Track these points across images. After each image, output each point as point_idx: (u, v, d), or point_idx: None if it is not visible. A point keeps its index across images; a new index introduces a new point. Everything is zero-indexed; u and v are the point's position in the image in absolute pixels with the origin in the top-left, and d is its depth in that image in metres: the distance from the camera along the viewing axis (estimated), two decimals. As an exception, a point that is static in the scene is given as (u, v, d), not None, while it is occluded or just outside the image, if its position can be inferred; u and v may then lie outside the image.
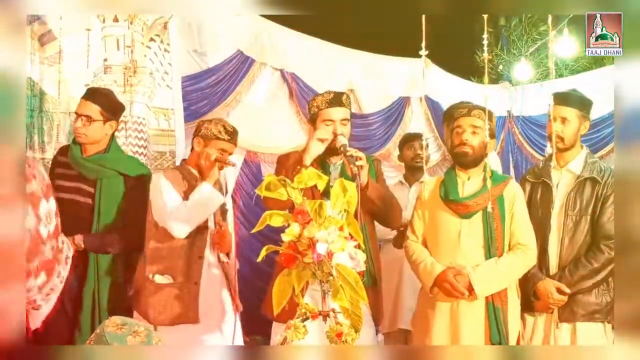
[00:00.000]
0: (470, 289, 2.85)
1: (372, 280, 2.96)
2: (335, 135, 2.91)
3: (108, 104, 3.16)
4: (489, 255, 2.91)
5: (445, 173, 3.13)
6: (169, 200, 2.93)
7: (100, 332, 1.50)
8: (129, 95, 4.65)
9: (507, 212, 2.95)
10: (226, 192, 3.22)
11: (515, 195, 3.00)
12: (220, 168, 3.06)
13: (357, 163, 2.75)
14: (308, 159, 2.88)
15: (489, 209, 2.85)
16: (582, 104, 3.15)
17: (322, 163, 2.98)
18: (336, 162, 3.00)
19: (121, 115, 3.29)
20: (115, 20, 4.68)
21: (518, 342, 2.95)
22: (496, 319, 2.85)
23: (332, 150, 2.94)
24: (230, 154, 3.11)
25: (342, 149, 2.84)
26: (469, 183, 3.00)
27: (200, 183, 2.97)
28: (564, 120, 3.08)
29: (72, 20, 4.53)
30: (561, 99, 3.13)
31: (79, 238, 3.04)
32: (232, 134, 3.08)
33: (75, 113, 3.15)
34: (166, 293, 2.93)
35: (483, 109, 2.99)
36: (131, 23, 4.69)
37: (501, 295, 2.89)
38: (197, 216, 2.94)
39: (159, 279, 2.96)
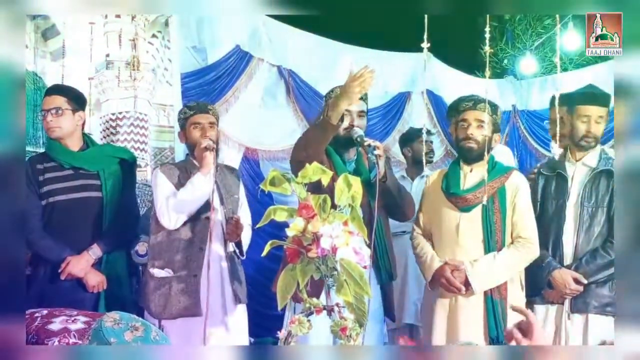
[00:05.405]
0: (468, 285, 2.84)
1: (389, 276, 2.94)
2: (351, 126, 2.85)
3: (73, 95, 3.15)
4: (488, 249, 2.88)
5: (449, 166, 3.11)
6: (161, 193, 2.96)
7: (97, 327, 1.47)
8: (132, 91, 4.65)
9: (509, 204, 2.92)
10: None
11: (518, 187, 2.95)
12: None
13: (375, 152, 2.71)
14: (335, 117, 2.72)
15: (484, 202, 2.82)
16: (609, 100, 3.08)
17: (339, 153, 2.90)
18: (352, 158, 2.95)
19: (85, 107, 3.27)
20: (118, 16, 4.66)
21: None
22: (494, 313, 2.83)
23: (347, 144, 2.87)
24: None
25: (358, 139, 2.78)
26: (471, 175, 2.98)
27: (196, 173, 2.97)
28: (599, 119, 3.04)
29: (76, 15, 4.52)
30: (597, 98, 3.06)
31: (95, 250, 3.02)
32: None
33: (44, 111, 3.07)
34: (167, 287, 2.94)
35: (488, 103, 2.96)
36: (133, 19, 4.67)
37: (500, 289, 2.87)
38: (185, 207, 2.93)
39: (158, 272, 2.97)
